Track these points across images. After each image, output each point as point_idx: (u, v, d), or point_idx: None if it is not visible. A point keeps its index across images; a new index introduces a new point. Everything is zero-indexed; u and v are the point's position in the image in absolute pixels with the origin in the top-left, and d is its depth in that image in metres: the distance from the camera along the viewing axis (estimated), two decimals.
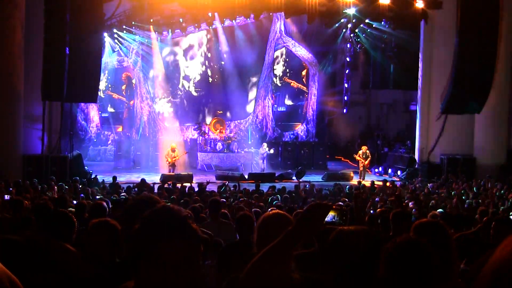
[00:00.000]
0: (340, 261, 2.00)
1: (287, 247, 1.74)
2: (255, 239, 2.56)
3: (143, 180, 14.59)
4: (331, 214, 2.02)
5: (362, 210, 4.09)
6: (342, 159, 26.12)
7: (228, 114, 24.70)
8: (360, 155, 19.48)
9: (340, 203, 9.68)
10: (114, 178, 15.11)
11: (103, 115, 23.99)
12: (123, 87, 23.93)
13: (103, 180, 15.70)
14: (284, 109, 26.13)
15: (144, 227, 1.54)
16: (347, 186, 14.30)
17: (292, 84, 25.69)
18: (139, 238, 1.53)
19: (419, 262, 1.85)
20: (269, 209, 6.77)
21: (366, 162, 19.38)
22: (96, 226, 3.18)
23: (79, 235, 3.62)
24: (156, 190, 12.85)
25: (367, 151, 19.57)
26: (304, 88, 25.75)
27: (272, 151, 22.33)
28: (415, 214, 8.13)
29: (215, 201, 6.49)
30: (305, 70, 25.65)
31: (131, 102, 23.88)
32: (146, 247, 1.49)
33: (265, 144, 21.34)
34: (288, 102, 26.20)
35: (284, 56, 25.60)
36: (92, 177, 16.68)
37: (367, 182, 16.71)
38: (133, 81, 23.64)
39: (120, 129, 23.94)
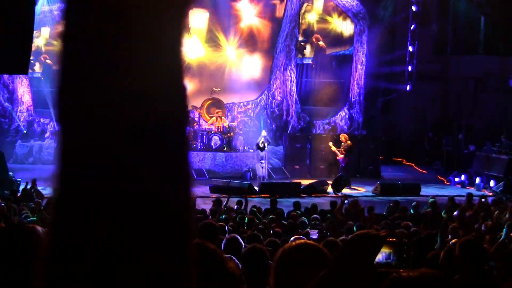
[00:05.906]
0: None
1: None
2: (272, 284, 2.56)
3: None
4: (384, 251, 2.00)
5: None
6: (405, 162, 26.30)
7: (229, 92, 24.70)
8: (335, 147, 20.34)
9: (402, 229, 9.54)
10: None
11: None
12: None
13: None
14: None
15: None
16: (413, 204, 14.18)
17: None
18: None
19: None
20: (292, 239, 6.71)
21: (340, 156, 20.11)
22: None
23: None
24: None
25: (348, 142, 20.30)
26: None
27: (280, 147, 22.36)
28: None
29: (208, 225, 6.40)
30: (313, 39, 25.61)
31: None
32: None
33: (263, 132, 21.08)
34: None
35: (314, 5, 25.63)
36: (21, 188, 16.68)
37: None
38: None
39: None
